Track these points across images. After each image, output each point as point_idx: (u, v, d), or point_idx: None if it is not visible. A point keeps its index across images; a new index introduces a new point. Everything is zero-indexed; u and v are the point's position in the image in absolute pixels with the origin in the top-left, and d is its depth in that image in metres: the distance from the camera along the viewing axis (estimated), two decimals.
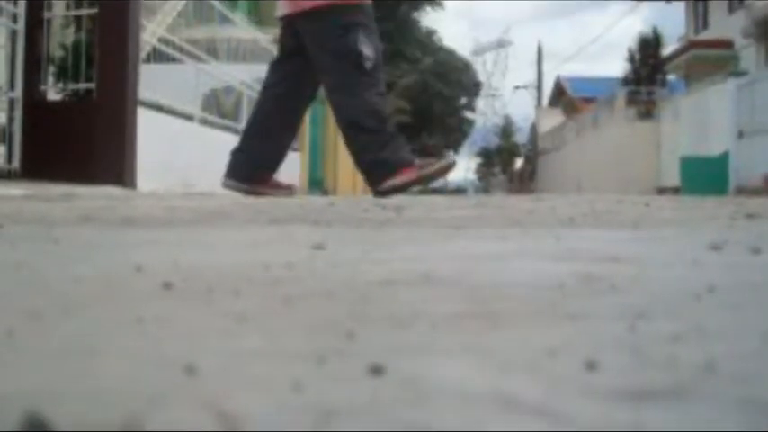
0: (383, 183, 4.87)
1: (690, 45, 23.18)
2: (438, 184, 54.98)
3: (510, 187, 42.53)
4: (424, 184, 5.54)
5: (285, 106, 5.10)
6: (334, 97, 5.12)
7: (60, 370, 0.60)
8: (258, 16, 16.77)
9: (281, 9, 5.11)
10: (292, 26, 5.06)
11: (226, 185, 5.05)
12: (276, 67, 5.22)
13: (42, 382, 0.56)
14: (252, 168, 5.00)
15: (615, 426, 0.47)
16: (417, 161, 5.06)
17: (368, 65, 4.95)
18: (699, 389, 0.55)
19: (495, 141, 56.58)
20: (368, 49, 4.99)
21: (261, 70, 11.97)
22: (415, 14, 46.75)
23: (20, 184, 5.11)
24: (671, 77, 25.30)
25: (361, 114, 4.93)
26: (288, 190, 5.28)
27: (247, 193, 4.91)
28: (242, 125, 10.58)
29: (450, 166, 5.45)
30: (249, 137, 5.15)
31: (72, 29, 6.85)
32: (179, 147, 7.77)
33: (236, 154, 5.06)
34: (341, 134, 5.28)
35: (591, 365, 0.60)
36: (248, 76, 11.17)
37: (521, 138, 52.32)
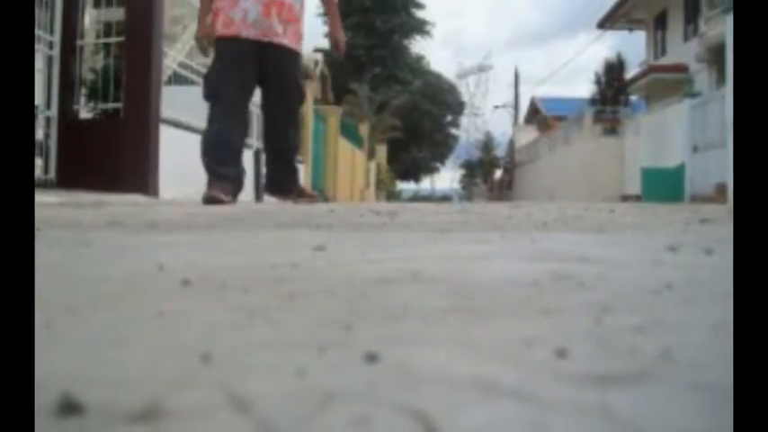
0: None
1: (650, 69, 23.21)
2: (425, 192, 55.06)
3: (490, 196, 42.38)
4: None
5: None
6: None
7: (91, 357, 0.60)
8: None
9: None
10: None
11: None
12: None
13: (76, 368, 0.56)
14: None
15: (583, 406, 0.47)
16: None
17: (204, 94, 5.06)
18: (657, 374, 0.55)
19: (477, 155, 56.50)
20: (205, 81, 5.14)
21: None
22: (406, 42, 46.80)
23: (55, 193, 5.10)
24: (633, 98, 25.30)
25: (204, 143, 5.08)
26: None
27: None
28: (252, 141, 10.58)
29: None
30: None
31: (102, 55, 6.84)
32: (197, 159, 7.75)
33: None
34: None
35: (562, 354, 0.60)
36: (256, 97, 11.14)
37: (500, 151, 52.19)
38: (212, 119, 5.07)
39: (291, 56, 5.16)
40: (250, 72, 5.07)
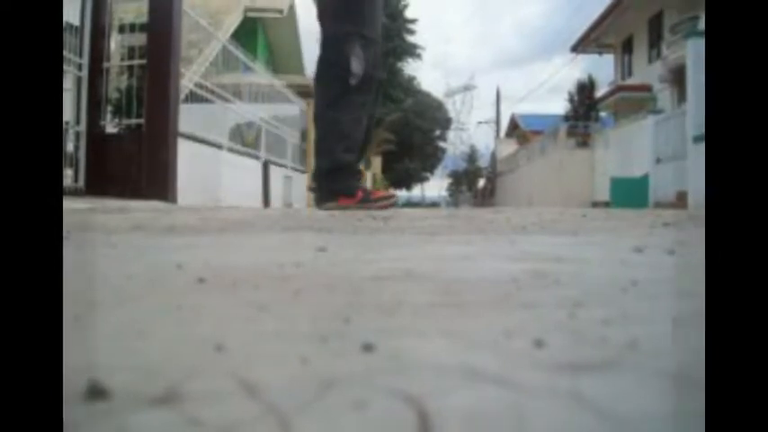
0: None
1: (618, 89, 23.26)
2: (416, 199, 55.04)
3: (474, 202, 42.36)
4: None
5: None
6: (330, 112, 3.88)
7: (116, 347, 0.60)
8: (273, 66, 16.79)
9: None
10: None
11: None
12: None
13: (102, 357, 0.56)
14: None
15: (558, 391, 0.47)
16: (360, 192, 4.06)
17: (352, 81, 3.76)
18: (624, 363, 0.55)
19: (462, 165, 56.63)
20: (356, 65, 3.75)
21: (276, 109, 11.99)
22: (399, 64, 46.92)
23: (84, 200, 5.09)
24: (603, 114, 25.33)
25: (339, 136, 3.90)
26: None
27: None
28: (261, 153, 10.59)
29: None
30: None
31: (126, 76, 6.85)
32: (211, 170, 7.77)
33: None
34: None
35: (539, 344, 0.60)
36: (266, 114, 11.17)
37: (483, 162, 52.33)
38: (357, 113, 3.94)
39: None
40: None
